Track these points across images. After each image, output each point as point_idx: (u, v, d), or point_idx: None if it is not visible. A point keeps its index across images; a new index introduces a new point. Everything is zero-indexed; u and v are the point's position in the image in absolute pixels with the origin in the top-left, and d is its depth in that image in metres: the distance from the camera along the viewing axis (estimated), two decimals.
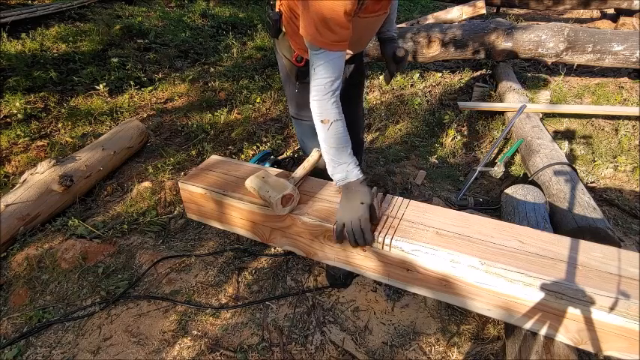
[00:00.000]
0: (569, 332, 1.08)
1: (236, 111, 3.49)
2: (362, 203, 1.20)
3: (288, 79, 1.61)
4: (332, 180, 1.52)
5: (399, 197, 1.39)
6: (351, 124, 1.81)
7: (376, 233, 1.22)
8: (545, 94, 3.39)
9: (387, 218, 1.29)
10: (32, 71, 3.75)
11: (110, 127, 3.20)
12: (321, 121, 1.22)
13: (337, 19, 1.10)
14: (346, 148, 1.26)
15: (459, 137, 3.20)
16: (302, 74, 1.52)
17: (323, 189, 1.45)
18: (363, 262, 1.31)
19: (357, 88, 1.81)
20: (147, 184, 2.51)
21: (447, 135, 3.23)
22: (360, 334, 1.65)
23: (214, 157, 1.70)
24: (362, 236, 1.19)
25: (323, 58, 1.16)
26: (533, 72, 4.17)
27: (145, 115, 3.49)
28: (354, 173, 1.26)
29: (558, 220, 1.98)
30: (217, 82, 3.99)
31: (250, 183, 1.39)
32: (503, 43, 3.57)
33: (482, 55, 3.70)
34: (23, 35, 4.44)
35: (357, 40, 1.39)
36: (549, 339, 1.17)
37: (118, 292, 1.84)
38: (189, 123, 3.30)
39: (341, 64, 1.19)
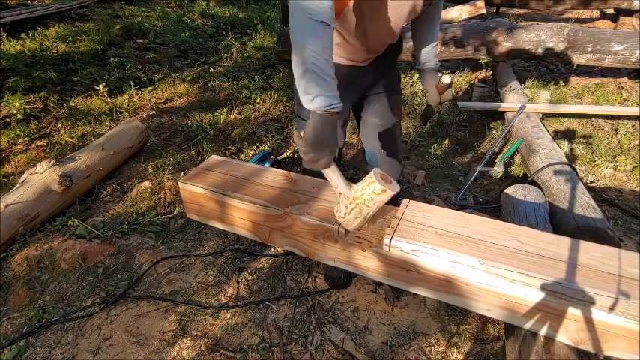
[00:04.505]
0: (569, 332, 1.08)
1: (236, 111, 3.48)
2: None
3: None
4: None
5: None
6: (382, 140, 1.66)
7: (381, 235, 1.22)
8: (545, 94, 3.39)
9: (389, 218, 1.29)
10: (32, 71, 3.75)
11: (110, 127, 3.20)
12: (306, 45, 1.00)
13: None
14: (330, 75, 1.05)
15: (459, 137, 3.20)
16: None
17: (323, 189, 1.45)
18: (363, 262, 1.31)
19: (391, 98, 1.64)
20: (147, 184, 2.51)
21: (447, 135, 3.23)
22: (360, 334, 1.65)
23: (214, 158, 1.70)
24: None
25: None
26: (533, 72, 4.17)
27: (144, 115, 3.49)
28: (335, 100, 1.06)
29: (558, 220, 1.98)
30: (217, 82, 3.99)
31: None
32: (503, 43, 3.57)
33: (482, 54, 3.70)
34: (23, 35, 4.44)
35: (364, 32, 1.30)
36: (549, 339, 1.17)
37: (117, 292, 1.84)
38: (189, 123, 3.30)
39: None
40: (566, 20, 5.45)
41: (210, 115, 3.40)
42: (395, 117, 1.68)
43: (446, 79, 1.45)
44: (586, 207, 1.96)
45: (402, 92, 3.79)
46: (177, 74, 4.18)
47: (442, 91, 1.51)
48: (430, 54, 1.55)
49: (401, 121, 1.77)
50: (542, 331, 1.13)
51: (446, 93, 1.52)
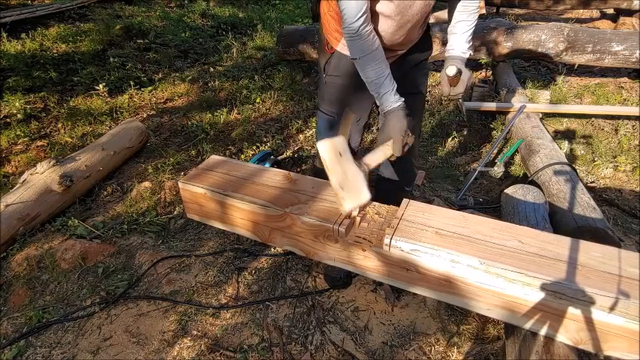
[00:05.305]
0: (569, 332, 1.08)
1: (236, 111, 3.49)
2: (404, 124, 1.34)
3: (320, 71, 1.63)
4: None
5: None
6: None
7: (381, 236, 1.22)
8: (545, 94, 3.39)
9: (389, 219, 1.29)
10: (32, 71, 3.76)
11: (110, 127, 3.20)
12: (352, 59, 1.32)
13: None
14: (383, 77, 1.32)
15: (459, 137, 3.20)
16: (329, 66, 1.54)
17: (323, 189, 1.45)
18: (363, 262, 1.31)
19: (412, 99, 1.52)
20: (147, 184, 2.51)
21: (447, 135, 3.23)
22: (360, 334, 1.65)
23: (214, 157, 1.70)
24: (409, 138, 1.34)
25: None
26: (533, 72, 4.17)
27: (145, 115, 3.49)
28: (395, 100, 1.34)
29: (558, 220, 1.98)
30: (217, 82, 3.99)
31: (330, 166, 1.23)
32: (503, 43, 3.57)
33: (482, 54, 3.70)
34: (23, 35, 4.44)
35: (394, 27, 1.32)
36: (549, 339, 1.17)
37: (117, 292, 1.84)
38: (189, 123, 3.30)
39: (360, 3, 1.22)
40: (566, 20, 5.44)
41: (210, 115, 3.40)
42: (415, 120, 1.60)
43: (451, 69, 1.35)
44: (586, 207, 1.96)
45: None
46: (177, 74, 4.18)
47: (452, 83, 1.41)
48: (457, 41, 1.44)
49: (421, 124, 1.74)
50: (542, 331, 1.12)
51: (457, 87, 1.42)
